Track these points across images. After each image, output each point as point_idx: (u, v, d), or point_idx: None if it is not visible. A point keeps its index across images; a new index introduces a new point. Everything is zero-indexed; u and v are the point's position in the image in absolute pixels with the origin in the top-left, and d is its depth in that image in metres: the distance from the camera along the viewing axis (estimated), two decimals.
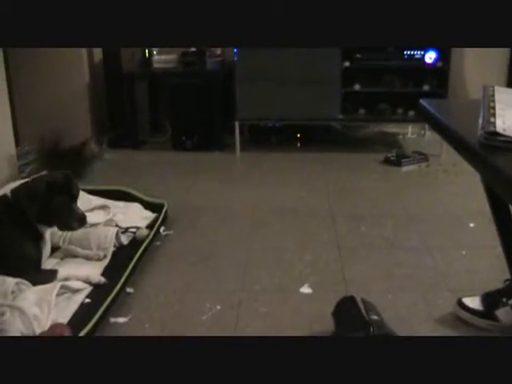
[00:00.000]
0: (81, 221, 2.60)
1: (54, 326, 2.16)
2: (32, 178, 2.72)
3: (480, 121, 1.42)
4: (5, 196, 2.59)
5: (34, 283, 2.38)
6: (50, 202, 2.52)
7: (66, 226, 2.62)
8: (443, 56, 4.64)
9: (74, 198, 2.60)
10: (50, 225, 2.62)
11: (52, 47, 1.82)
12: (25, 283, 2.35)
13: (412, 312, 2.48)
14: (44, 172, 3.00)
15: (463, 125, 1.55)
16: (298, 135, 5.22)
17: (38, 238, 2.60)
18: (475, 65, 5.07)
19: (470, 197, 3.74)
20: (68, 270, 2.60)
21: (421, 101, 1.85)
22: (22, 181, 2.86)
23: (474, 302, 2.39)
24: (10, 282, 2.27)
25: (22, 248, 2.52)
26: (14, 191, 2.58)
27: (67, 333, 2.10)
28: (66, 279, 2.49)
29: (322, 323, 2.31)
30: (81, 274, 2.55)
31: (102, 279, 2.56)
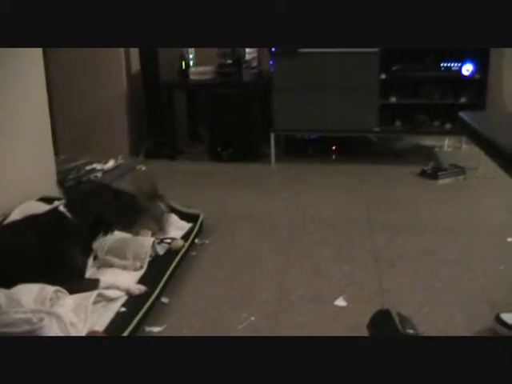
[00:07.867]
0: None
1: (91, 334, 2.19)
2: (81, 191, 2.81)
3: None
4: (57, 209, 2.65)
5: (77, 291, 2.40)
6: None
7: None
8: (481, 67, 4.58)
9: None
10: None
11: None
12: (62, 291, 2.37)
13: (449, 326, 2.44)
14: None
15: (504, 137, 1.53)
16: (334, 147, 5.20)
17: (88, 250, 2.64)
18: None
19: (508, 210, 3.69)
20: (109, 279, 2.62)
21: (460, 113, 1.83)
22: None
23: None
24: (49, 289, 2.30)
25: (71, 258, 2.54)
26: (69, 203, 2.66)
27: None
28: (107, 288, 2.51)
29: (359, 334, 2.29)
30: (122, 284, 2.57)
31: (143, 288, 2.57)
